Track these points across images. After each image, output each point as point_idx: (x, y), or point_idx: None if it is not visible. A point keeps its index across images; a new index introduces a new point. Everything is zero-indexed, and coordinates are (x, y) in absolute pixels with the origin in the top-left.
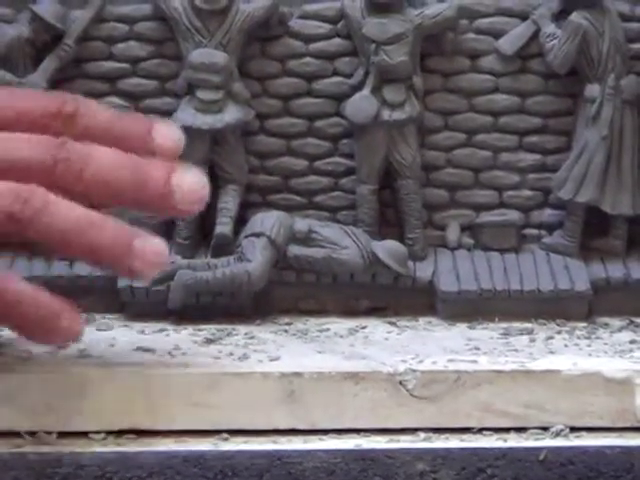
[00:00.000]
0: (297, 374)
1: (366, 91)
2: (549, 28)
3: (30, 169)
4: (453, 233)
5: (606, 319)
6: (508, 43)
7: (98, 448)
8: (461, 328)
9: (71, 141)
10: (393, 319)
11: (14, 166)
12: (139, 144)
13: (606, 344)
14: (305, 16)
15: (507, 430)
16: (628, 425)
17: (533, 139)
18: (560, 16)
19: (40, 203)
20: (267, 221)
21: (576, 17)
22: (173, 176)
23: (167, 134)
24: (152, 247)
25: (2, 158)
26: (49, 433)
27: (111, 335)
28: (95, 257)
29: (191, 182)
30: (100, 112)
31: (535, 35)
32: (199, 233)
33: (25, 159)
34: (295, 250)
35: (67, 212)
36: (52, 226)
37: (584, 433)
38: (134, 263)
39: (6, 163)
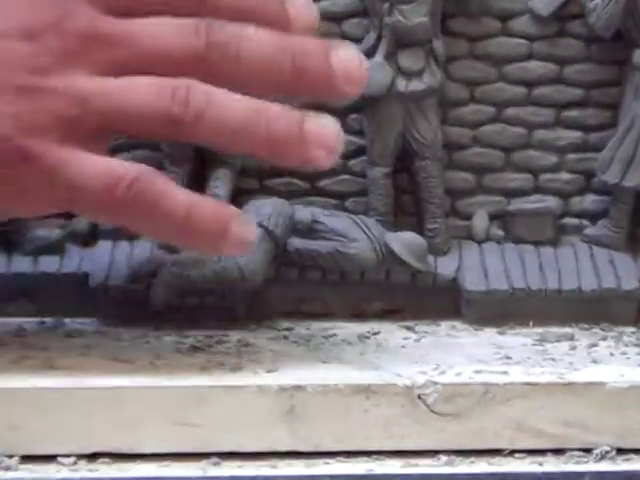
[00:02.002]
0: (298, 387)
1: (379, 58)
2: None
3: (179, 58)
4: (480, 223)
5: None
6: (544, 2)
7: (68, 474)
8: (490, 334)
9: (220, 21)
10: (410, 323)
11: (161, 56)
12: (273, 18)
13: None
14: None
15: (543, 452)
16: None
17: (573, 113)
18: None
19: (203, 102)
20: (264, 209)
21: None
22: (331, 54)
23: (302, 4)
24: (324, 129)
25: (148, 48)
26: (10, 457)
27: (82, 343)
28: (269, 150)
29: (350, 59)
30: None
31: None
32: None
33: (173, 46)
34: (296, 243)
35: (233, 105)
36: (219, 125)
37: (633, 455)
38: (310, 150)
39: (152, 53)
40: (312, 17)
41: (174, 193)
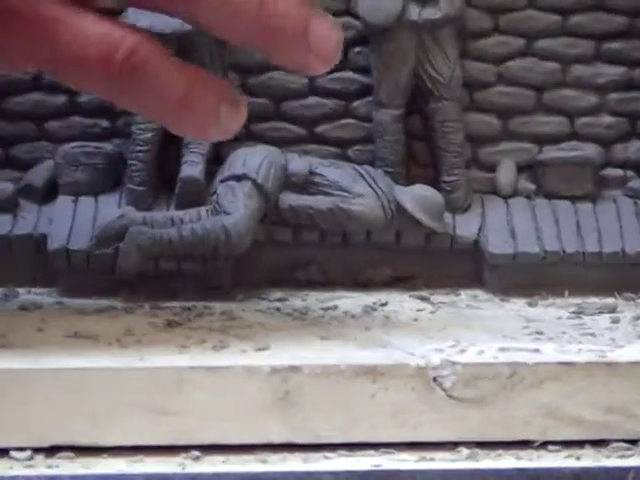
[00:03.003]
0: (294, 369)
1: None
2: None
3: None
4: (507, 175)
5: None
6: None
7: (22, 471)
8: (518, 305)
9: None
10: (424, 293)
11: None
12: None
13: None
14: None
15: (581, 444)
16: None
17: (615, 45)
18: None
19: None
20: (252, 160)
21: None
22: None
23: None
24: (326, 36)
25: None
26: None
27: (39, 316)
28: (266, 40)
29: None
30: None
31: None
32: (159, 176)
33: None
34: (290, 199)
35: None
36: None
37: None
38: (307, 56)
39: None
40: None
41: (175, 68)
